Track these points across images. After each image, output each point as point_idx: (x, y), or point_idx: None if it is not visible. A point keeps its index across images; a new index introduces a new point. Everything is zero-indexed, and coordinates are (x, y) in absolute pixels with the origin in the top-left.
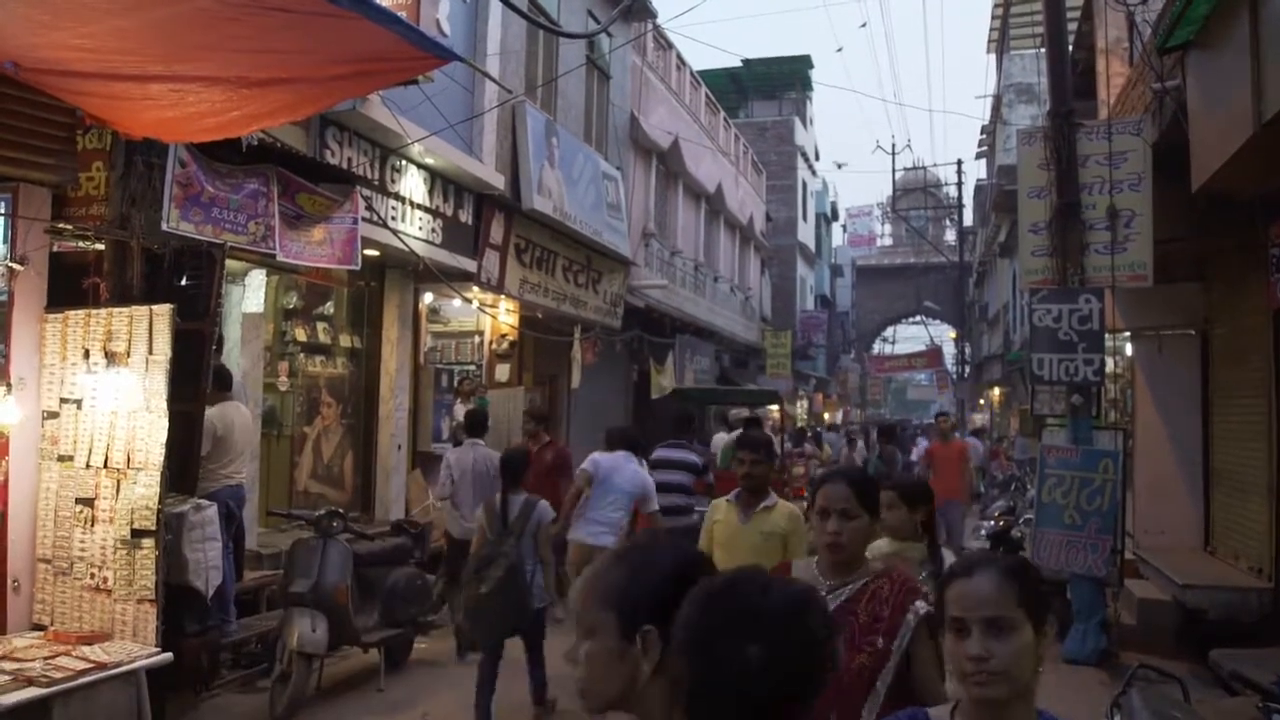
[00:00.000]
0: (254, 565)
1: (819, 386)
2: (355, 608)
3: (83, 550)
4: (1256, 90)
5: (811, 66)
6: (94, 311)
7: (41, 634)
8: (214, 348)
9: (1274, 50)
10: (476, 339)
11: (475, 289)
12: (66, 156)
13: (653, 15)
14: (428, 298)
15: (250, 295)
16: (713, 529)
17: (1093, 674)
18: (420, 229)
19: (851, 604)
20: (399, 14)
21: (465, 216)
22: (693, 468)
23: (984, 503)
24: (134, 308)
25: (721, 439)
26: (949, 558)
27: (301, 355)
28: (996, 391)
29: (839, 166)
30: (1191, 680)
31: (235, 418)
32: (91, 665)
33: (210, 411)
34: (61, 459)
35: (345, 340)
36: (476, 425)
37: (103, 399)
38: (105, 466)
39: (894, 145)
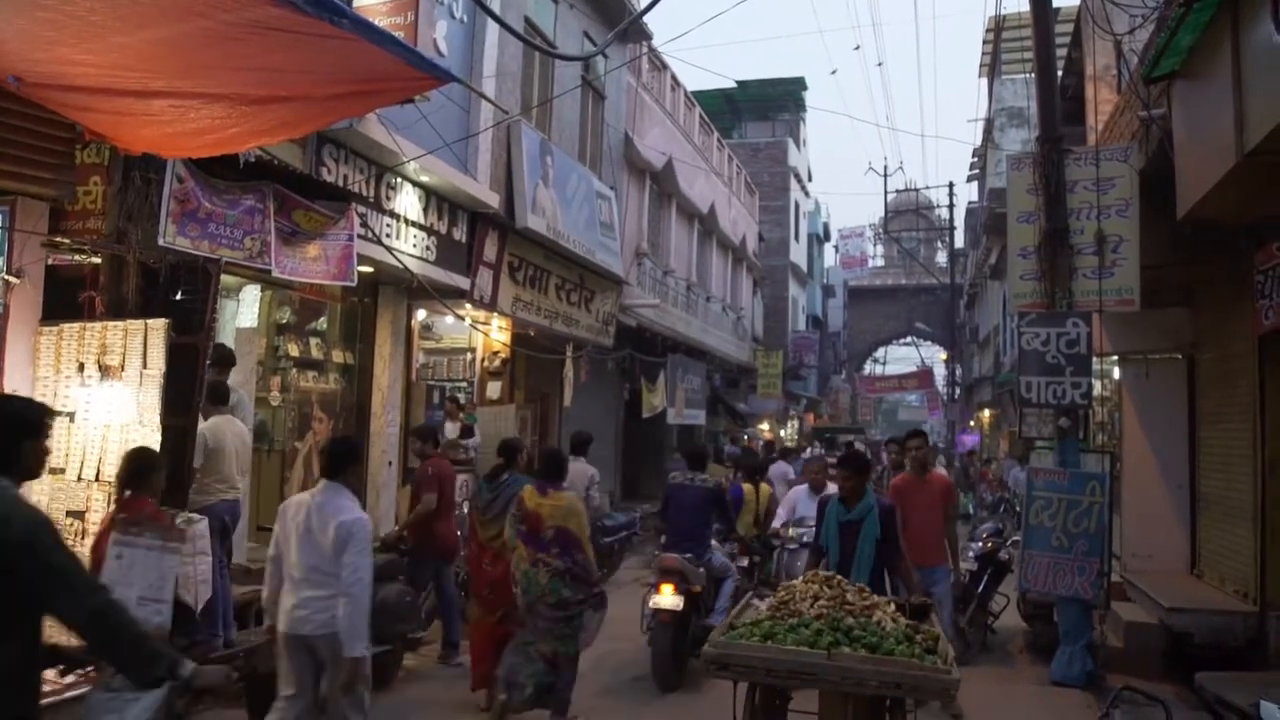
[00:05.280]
0: (242, 580)
1: (810, 407)
2: None
3: None
4: (1239, 121)
5: (805, 88)
6: (89, 325)
7: None
8: (208, 361)
9: (1256, 82)
10: (469, 356)
11: (468, 306)
12: (65, 171)
13: (648, 37)
14: (421, 314)
15: (244, 310)
16: None
17: (1079, 696)
18: (415, 246)
19: None
20: (397, 35)
21: (459, 234)
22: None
23: (972, 524)
24: (129, 321)
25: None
26: None
27: (294, 370)
28: (987, 413)
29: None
30: (1176, 703)
31: (227, 430)
32: (78, 678)
33: (202, 425)
34: (53, 471)
35: (338, 356)
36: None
37: (96, 412)
38: (97, 479)
39: (886, 167)
